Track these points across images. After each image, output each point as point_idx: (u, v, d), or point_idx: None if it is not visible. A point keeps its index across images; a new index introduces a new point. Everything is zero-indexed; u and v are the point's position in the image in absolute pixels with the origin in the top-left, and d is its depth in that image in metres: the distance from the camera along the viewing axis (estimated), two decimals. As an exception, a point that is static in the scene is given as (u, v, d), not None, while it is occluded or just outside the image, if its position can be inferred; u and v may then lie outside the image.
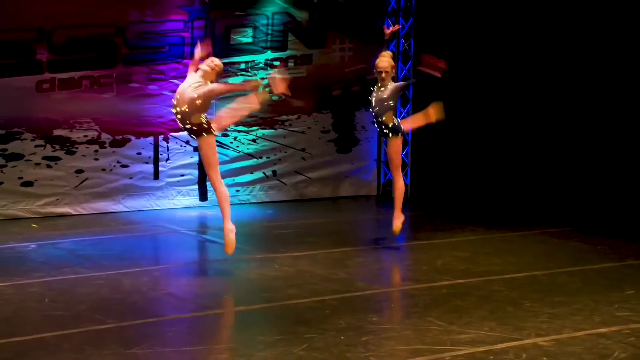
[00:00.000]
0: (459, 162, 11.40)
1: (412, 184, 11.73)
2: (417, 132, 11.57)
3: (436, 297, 6.34)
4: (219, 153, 10.53)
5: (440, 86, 11.33)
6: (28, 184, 9.61)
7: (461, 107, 11.23)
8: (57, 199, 9.76)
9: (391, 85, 8.07)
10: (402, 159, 11.68)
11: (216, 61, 7.05)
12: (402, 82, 9.14)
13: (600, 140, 10.09)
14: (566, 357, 5.00)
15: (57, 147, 9.70)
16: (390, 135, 8.10)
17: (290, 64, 10.95)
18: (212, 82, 6.97)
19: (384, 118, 8.06)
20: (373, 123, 8.38)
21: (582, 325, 5.61)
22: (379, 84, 8.11)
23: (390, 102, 8.06)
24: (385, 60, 8.07)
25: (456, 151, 11.43)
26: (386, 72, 8.05)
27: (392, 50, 8.54)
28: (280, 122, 11.00)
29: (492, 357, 4.97)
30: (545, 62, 10.60)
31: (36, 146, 9.57)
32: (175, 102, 6.96)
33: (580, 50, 10.21)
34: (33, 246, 8.03)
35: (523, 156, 10.80)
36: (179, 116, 6.95)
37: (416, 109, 11.56)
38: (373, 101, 8.14)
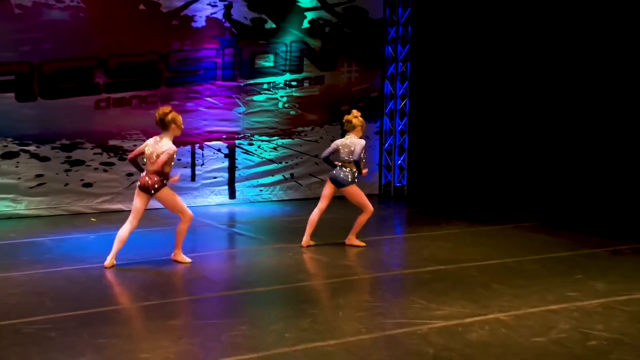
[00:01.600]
0: (451, 163, 11.61)
1: (408, 185, 12.04)
2: (413, 136, 11.87)
3: (419, 281, 6.66)
4: (246, 159, 11.01)
5: (432, 101, 11.68)
6: (88, 185, 10.00)
7: (449, 119, 11.55)
8: (112, 198, 10.15)
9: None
10: (401, 163, 12.03)
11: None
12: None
13: (576, 141, 10.09)
14: (521, 328, 5.32)
15: (112, 154, 10.07)
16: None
17: (306, 84, 11.29)
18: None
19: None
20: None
21: (537, 304, 5.92)
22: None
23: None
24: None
25: (446, 157, 11.65)
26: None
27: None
28: (297, 133, 11.34)
29: (460, 329, 5.29)
30: (520, 68, 10.62)
31: (95, 154, 9.96)
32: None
33: (558, 54, 10.15)
34: (92, 237, 8.43)
35: (506, 157, 10.97)
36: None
37: (413, 121, 11.90)
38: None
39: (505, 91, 10.92)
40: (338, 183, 7.80)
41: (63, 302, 5.85)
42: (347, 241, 8.02)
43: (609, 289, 6.37)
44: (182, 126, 7.03)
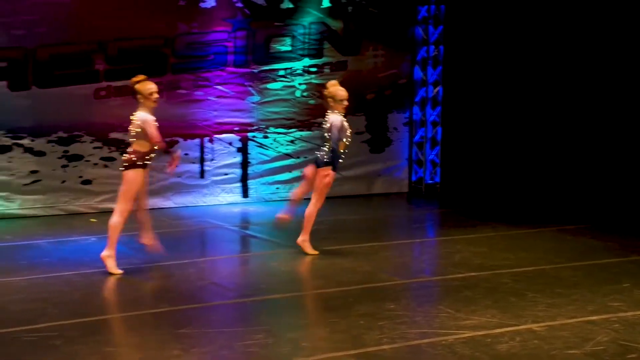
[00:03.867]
0: (487, 161, 11.89)
1: (441, 182, 12.38)
2: (447, 127, 12.20)
3: (448, 288, 7.08)
4: (260, 153, 11.41)
5: (468, 89, 12.01)
6: (87, 182, 10.45)
7: (488, 109, 11.84)
8: (113, 196, 10.43)
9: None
10: (433, 158, 12.40)
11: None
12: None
13: (624, 140, 10.48)
14: (555, 340, 5.70)
15: (113, 148, 10.49)
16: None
17: (326, 70, 11.66)
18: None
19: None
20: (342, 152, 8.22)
21: (575, 314, 6.28)
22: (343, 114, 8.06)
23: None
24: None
25: (484, 151, 11.94)
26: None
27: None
28: (316, 124, 11.63)
29: (489, 340, 5.69)
30: (566, 62, 11.03)
31: (94, 148, 10.40)
32: None
33: (602, 52, 10.62)
34: (93, 239, 8.88)
35: (547, 155, 11.31)
36: None
37: (446, 111, 12.26)
38: (348, 130, 8.11)
39: (552, 79, 11.21)
40: (315, 163, 8.11)
41: (66, 309, 6.34)
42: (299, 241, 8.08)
43: (656, 299, 6.69)
44: (151, 95, 7.33)
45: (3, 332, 5.77)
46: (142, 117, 7.33)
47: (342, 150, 8.10)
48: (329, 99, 8.06)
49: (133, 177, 7.28)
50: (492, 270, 7.64)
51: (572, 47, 11.02)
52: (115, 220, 7.34)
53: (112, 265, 7.36)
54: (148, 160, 7.38)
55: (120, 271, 7.35)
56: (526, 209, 10.90)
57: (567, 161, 11.15)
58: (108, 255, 7.37)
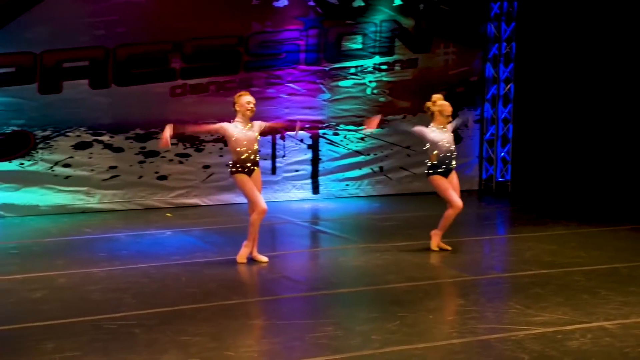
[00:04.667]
0: (558, 159, 11.81)
1: (512, 180, 12.31)
2: (518, 125, 12.13)
3: (518, 285, 7.06)
4: (330, 150, 11.53)
5: (539, 86, 11.90)
6: (163, 177, 10.79)
7: (560, 107, 11.73)
8: (187, 191, 10.91)
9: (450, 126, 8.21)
10: (504, 156, 12.31)
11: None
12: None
13: None
14: (628, 338, 5.63)
15: (188, 145, 10.82)
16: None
17: (397, 68, 11.72)
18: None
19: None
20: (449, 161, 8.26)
21: (650, 312, 6.21)
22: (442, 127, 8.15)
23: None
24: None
25: (555, 149, 11.84)
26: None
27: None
28: (387, 122, 11.75)
29: (560, 336, 5.66)
30: None
31: (170, 144, 10.71)
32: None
33: None
34: (169, 233, 9.16)
35: (620, 153, 11.17)
36: None
37: (518, 109, 12.17)
38: (447, 141, 8.13)
39: (626, 76, 11.06)
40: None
41: (144, 299, 6.55)
42: (432, 235, 8.23)
43: None
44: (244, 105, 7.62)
45: (86, 319, 5.99)
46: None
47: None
48: (437, 112, 8.07)
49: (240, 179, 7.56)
50: (563, 267, 7.59)
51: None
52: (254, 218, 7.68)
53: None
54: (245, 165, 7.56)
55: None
56: (598, 207, 10.77)
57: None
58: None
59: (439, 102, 8.12)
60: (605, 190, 11.26)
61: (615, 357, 5.33)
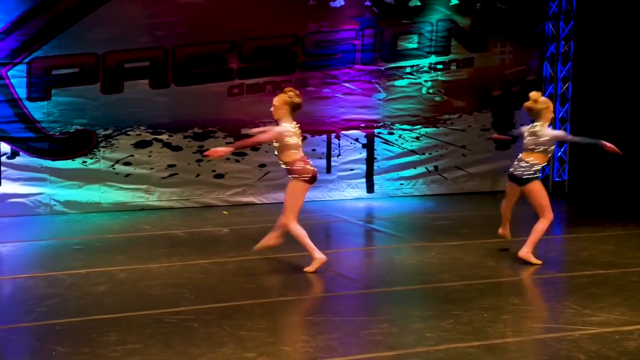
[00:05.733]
0: (616, 159, 11.64)
1: (569, 180, 12.19)
2: (576, 124, 11.99)
3: (575, 285, 7.04)
4: (385, 149, 11.57)
5: (598, 86, 11.77)
6: (220, 176, 10.95)
7: (618, 106, 11.58)
8: (244, 190, 11.06)
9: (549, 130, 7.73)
10: (561, 156, 12.20)
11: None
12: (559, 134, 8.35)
13: None
14: (686, 340, 5.61)
15: (244, 144, 10.96)
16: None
17: (453, 67, 11.71)
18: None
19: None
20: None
21: None
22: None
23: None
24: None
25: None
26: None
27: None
28: (442, 121, 11.79)
29: (617, 337, 5.65)
30: None
31: (227, 143, 10.70)
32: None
33: None
34: (226, 230, 9.33)
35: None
36: None
37: (575, 108, 12.05)
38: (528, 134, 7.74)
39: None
40: (515, 179, 7.77)
41: (202, 295, 6.71)
42: (520, 253, 7.69)
43: None
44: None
45: (147, 314, 6.17)
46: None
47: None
48: (545, 109, 7.63)
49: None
50: (621, 268, 7.54)
51: None
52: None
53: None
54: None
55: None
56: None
57: None
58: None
59: (541, 99, 7.63)
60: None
61: (673, 358, 5.29)
